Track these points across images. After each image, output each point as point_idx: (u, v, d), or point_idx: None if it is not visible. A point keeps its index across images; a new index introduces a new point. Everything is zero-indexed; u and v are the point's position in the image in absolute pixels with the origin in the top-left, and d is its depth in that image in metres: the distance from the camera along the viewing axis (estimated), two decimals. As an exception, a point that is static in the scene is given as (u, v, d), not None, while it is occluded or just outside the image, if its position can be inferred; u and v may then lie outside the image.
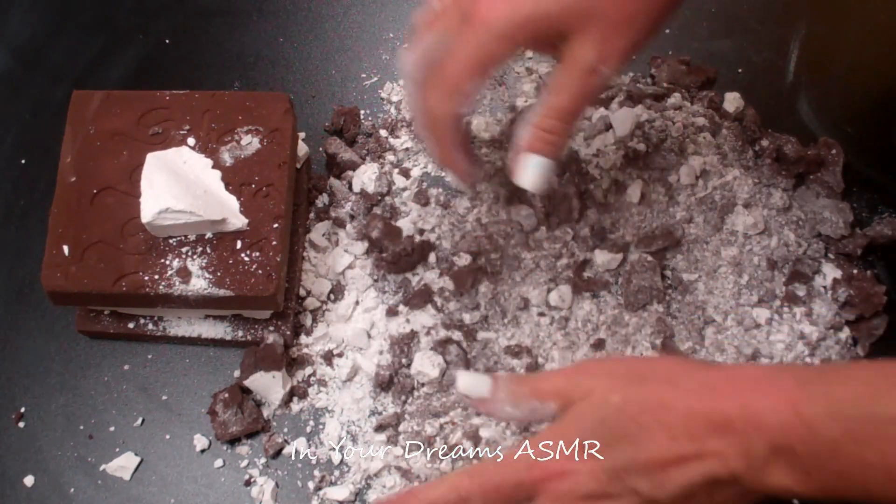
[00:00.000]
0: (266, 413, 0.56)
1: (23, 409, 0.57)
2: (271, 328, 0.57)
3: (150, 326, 0.58)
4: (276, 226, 0.54)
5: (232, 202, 0.54)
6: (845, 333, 0.59)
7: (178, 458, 0.56)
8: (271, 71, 0.68)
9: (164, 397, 0.58)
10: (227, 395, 0.56)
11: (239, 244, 0.54)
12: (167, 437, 0.57)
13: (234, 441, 0.56)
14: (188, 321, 0.58)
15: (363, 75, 0.68)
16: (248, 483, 0.55)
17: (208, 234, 0.54)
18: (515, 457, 0.45)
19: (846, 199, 0.62)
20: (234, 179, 0.55)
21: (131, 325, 0.58)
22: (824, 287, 0.60)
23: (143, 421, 0.57)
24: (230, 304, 0.54)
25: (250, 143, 0.56)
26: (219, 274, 0.53)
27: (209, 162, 0.56)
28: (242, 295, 0.53)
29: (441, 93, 0.50)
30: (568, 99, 0.49)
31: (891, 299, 0.59)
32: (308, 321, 0.59)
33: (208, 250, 0.54)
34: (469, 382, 0.49)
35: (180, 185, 0.53)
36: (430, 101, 0.51)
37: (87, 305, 0.57)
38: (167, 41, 0.69)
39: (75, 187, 0.55)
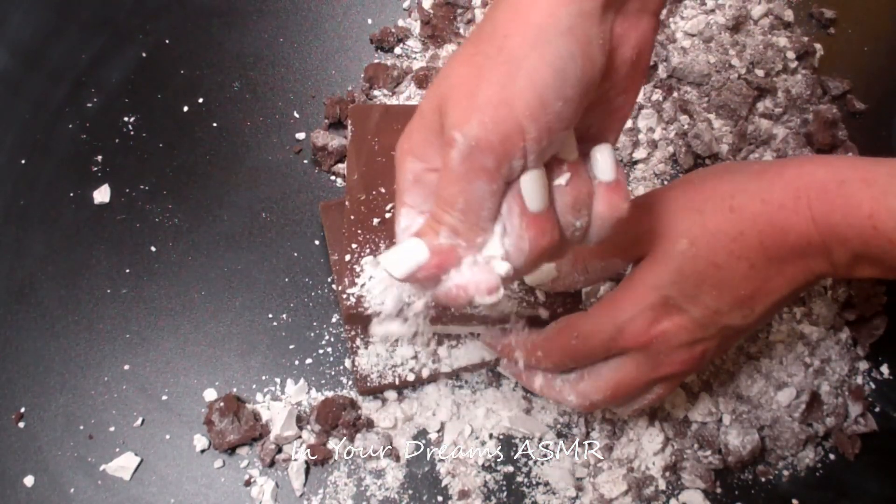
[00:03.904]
0: None
1: (23, 409, 0.57)
2: None
3: (431, 364, 0.56)
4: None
5: None
6: (845, 333, 0.59)
7: (178, 458, 0.56)
8: (271, 71, 0.68)
9: (164, 397, 0.58)
10: (222, 405, 0.56)
11: None
12: (167, 437, 0.57)
13: (232, 449, 0.56)
14: (468, 349, 0.56)
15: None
16: (248, 483, 0.55)
17: None
18: (600, 325, 0.46)
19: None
20: None
21: (411, 376, 0.56)
22: (824, 287, 0.60)
23: (143, 421, 0.57)
24: (534, 323, 0.52)
25: None
26: (528, 295, 0.52)
27: None
28: (554, 314, 0.51)
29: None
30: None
31: (891, 299, 0.59)
32: None
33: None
34: (535, 273, 0.49)
35: None
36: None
37: None
38: (167, 41, 0.69)
39: (366, 206, 0.53)
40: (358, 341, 0.57)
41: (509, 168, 0.37)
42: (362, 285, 0.50)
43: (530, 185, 0.37)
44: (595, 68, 0.38)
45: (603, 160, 0.40)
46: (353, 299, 0.51)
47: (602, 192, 0.40)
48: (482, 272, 0.39)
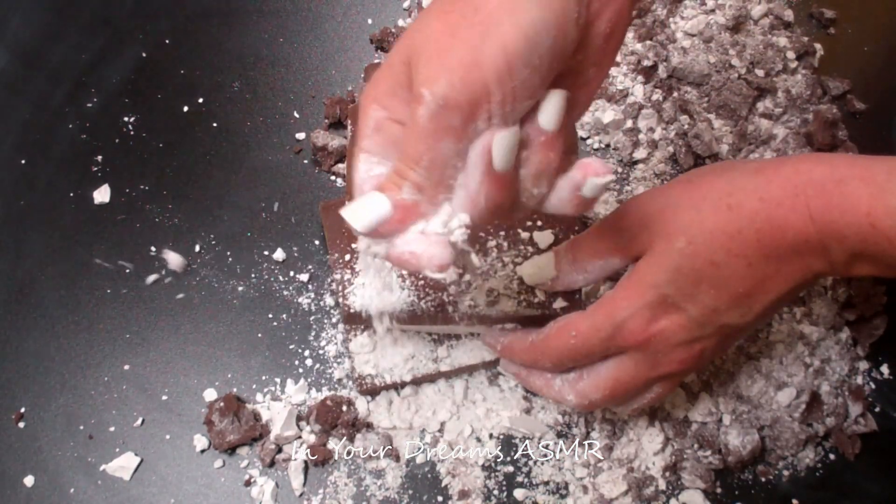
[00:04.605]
0: None
1: (23, 409, 0.57)
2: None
3: (431, 364, 0.56)
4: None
5: None
6: (845, 333, 0.59)
7: (178, 458, 0.56)
8: (271, 71, 0.68)
9: (164, 397, 0.58)
10: (222, 405, 0.56)
11: None
12: (167, 437, 0.57)
13: (232, 449, 0.56)
14: (468, 349, 0.56)
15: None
16: (248, 483, 0.55)
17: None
18: (598, 324, 0.46)
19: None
20: None
21: (410, 376, 0.56)
22: (824, 287, 0.60)
23: (143, 421, 0.57)
24: (534, 322, 0.52)
25: None
26: (528, 294, 0.52)
27: None
28: (553, 314, 0.51)
29: None
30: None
31: (891, 299, 0.59)
32: None
33: (510, 273, 0.53)
34: (534, 272, 0.50)
35: None
36: None
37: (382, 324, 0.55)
38: (167, 41, 0.69)
39: None
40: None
41: (474, 128, 0.37)
42: (362, 284, 0.50)
43: (502, 144, 0.37)
44: (567, 41, 0.38)
45: (548, 108, 0.39)
46: (352, 299, 0.51)
47: (537, 142, 0.39)
48: (437, 246, 0.39)
